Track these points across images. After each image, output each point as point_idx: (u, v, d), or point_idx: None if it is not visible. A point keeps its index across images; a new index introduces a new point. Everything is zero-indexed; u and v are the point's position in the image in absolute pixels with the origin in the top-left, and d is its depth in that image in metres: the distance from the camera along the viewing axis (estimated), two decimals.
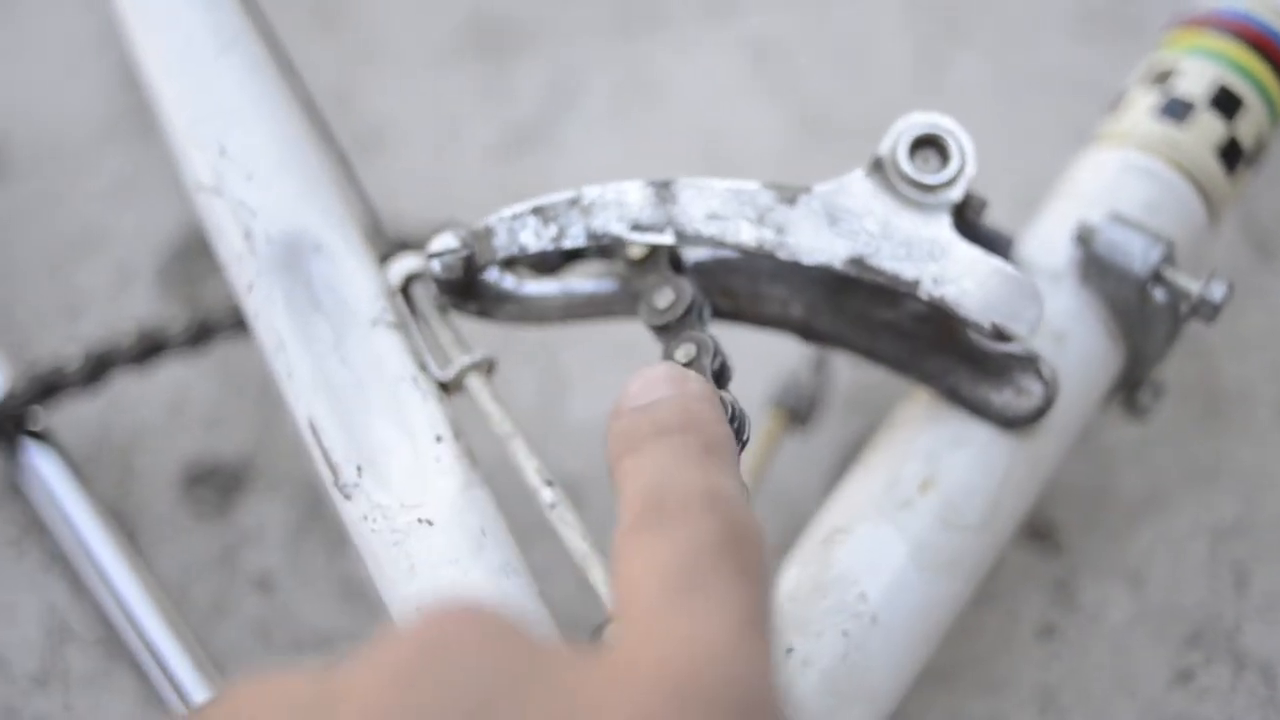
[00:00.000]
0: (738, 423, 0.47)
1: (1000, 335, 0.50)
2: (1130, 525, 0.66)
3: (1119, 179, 0.58)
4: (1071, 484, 0.67)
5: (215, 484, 0.70)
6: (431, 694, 0.31)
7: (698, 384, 0.44)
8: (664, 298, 0.52)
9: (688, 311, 0.51)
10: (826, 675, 0.50)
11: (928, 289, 0.50)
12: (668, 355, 0.50)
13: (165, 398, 0.72)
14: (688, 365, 0.49)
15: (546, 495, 0.50)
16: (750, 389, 0.67)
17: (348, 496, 0.51)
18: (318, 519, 0.68)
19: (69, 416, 0.70)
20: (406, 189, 0.65)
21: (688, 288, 0.51)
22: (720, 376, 0.49)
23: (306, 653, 0.65)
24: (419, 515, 0.50)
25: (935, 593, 0.52)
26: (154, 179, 0.79)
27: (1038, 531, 0.66)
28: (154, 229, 0.78)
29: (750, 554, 0.37)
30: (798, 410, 0.63)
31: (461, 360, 0.53)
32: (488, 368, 0.53)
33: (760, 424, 0.63)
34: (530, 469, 0.50)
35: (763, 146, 0.80)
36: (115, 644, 0.64)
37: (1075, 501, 0.67)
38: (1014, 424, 0.53)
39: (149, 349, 0.66)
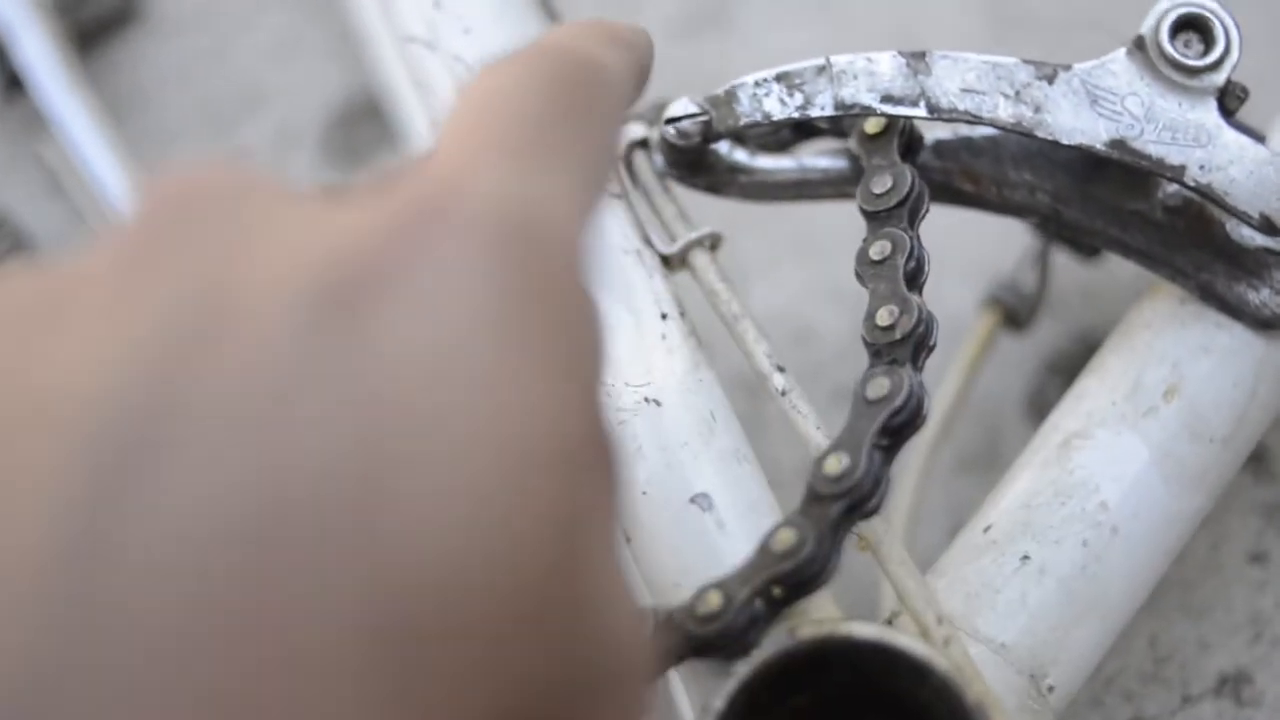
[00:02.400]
0: (925, 326, 0.45)
1: (1269, 227, 0.47)
2: None
3: None
4: None
5: None
6: (166, 262, 0.26)
7: None
8: (881, 184, 0.48)
9: (900, 203, 0.48)
10: (1064, 585, 0.47)
11: (1194, 175, 0.47)
12: (864, 246, 0.47)
13: None
14: (880, 263, 0.46)
15: (778, 381, 0.47)
16: (964, 288, 0.64)
17: None
18: None
19: None
20: None
21: (909, 178, 0.48)
22: (914, 278, 0.46)
23: None
24: (646, 394, 0.47)
25: (1178, 506, 0.49)
26: (318, 40, 0.76)
27: (1254, 455, 0.62)
28: (318, 91, 0.75)
29: (590, 94, 0.33)
30: (1016, 311, 0.60)
31: (687, 235, 0.50)
32: (713, 243, 0.50)
33: (974, 323, 0.60)
34: (760, 352, 0.47)
35: (956, 37, 0.76)
36: None
37: None
38: (1271, 324, 0.50)
39: None
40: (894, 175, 0.48)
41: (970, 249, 0.64)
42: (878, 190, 0.48)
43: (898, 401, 0.43)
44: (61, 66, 0.71)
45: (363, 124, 0.74)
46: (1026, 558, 0.47)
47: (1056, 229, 0.52)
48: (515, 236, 0.27)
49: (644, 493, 0.46)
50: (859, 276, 0.47)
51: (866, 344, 0.45)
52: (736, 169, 0.52)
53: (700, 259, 0.50)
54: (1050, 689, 0.47)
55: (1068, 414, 0.51)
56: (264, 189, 0.28)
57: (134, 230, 0.27)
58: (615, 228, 0.50)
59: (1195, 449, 0.49)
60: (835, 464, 0.42)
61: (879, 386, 0.43)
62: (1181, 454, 0.49)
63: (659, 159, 0.51)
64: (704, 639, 0.41)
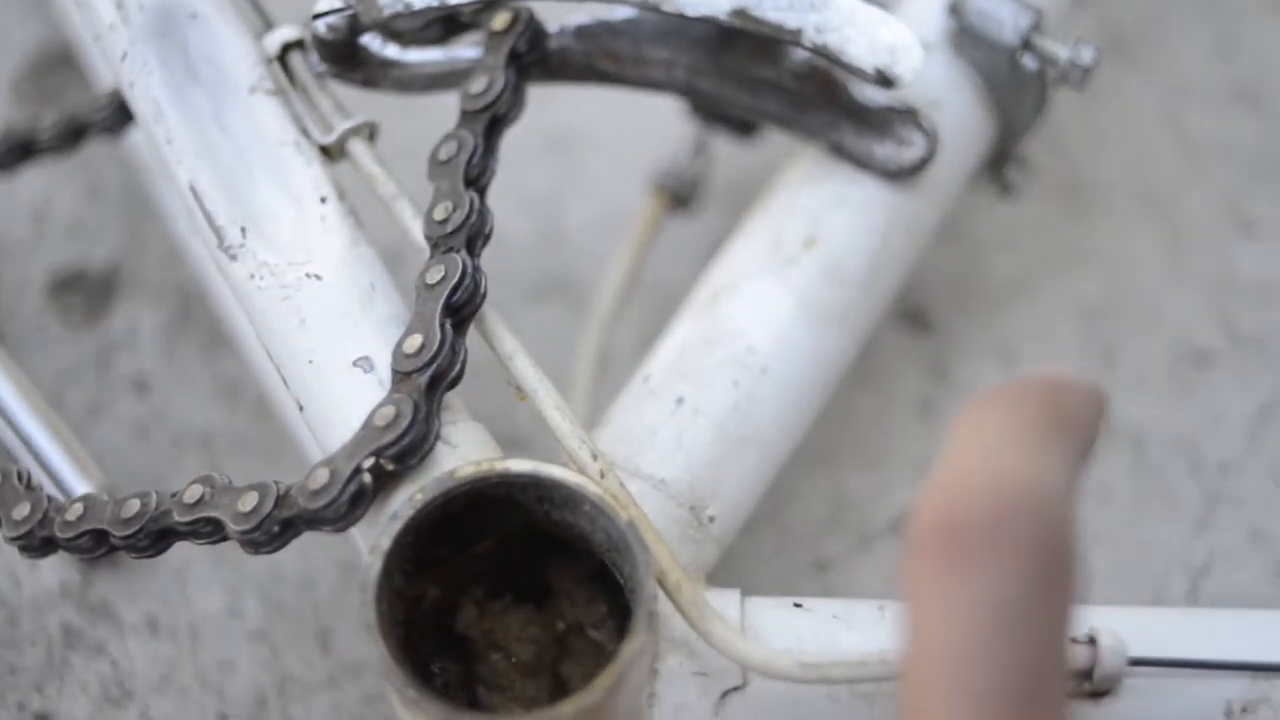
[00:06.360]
0: (478, 218, 0.49)
1: (883, 80, 0.51)
2: (1000, 308, 0.68)
3: None
4: (943, 270, 0.68)
5: (83, 291, 0.68)
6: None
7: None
8: (478, 85, 0.52)
9: (487, 108, 0.51)
10: (718, 423, 0.51)
11: (811, 37, 0.51)
12: (436, 148, 0.51)
13: (27, 208, 0.71)
14: (445, 163, 0.50)
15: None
16: (629, 174, 0.68)
17: (233, 257, 0.50)
18: (190, 322, 0.67)
19: None
20: None
21: (503, 82, 0.52)
22: (476, 179, 0.50)
23: (185, 450, 0.64)
24: (307, 270, 0.49)
25: (822, 346, 0.53)
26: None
27: (911, 314, 0.67)
28: (5, 46, 0.76)
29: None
30: (679, 193, 0.63)
31: (343, 125, 0.52)
32: (369, 132, 0.53)
33: (642, 206, 0.63)
34: (416, 228, 0.50)
35: None
36: None
37: (947, 286, 0.68)
38: (897, 175, 0.54)
39: (16, 150, 0.64)
40: (490, 78, 0.52)
41: (635, 137, 0.67)
42: (474, 90, 0.51)
43: (453, 282, 0.47)
44: None
45: (51, 74, 0.74)
46: (681, 400, 0.51)
47: (697, 102, 0.56)
48: None
49: (310, 361, 0.48)
50: (429, 176, 0.51)
51: (426, 238, 0.49)
52: (388, 63, 0.54)
53: (357, 147, 0.52)
54: (711, 519, 0.50)
55: (715, 273, 0.55)
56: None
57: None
58: (273, 123, 0.52)
59: (835, 293, 0.53)
60: (412, 343, 0.46)
61: (436, 273, 0.47)
62: (823, 298, 0.53)
63: (314, 58, 0.54)
64: (314, 512, 0.44)
